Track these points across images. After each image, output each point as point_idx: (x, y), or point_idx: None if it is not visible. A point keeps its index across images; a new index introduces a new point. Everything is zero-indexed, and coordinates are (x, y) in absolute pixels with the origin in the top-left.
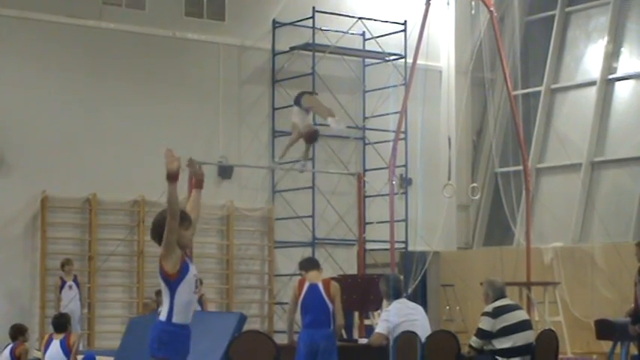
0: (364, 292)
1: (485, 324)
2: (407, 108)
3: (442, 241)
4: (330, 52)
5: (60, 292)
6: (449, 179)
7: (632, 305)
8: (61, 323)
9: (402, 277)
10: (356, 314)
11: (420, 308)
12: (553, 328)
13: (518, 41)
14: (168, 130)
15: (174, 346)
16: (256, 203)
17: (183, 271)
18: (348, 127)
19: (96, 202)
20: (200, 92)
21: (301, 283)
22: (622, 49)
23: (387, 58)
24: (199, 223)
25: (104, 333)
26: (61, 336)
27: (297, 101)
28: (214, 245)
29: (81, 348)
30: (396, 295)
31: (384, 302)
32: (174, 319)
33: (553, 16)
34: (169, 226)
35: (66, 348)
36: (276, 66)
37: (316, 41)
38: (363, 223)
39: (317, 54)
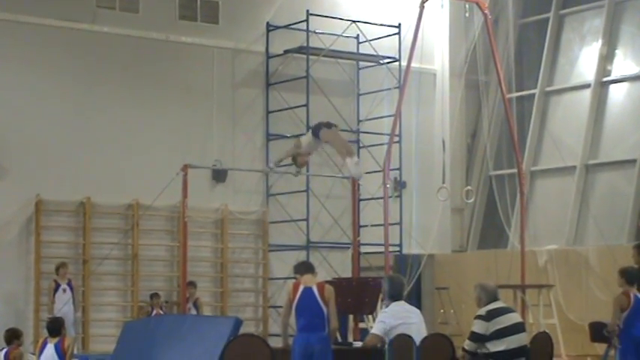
0: (359, 295)
1: (479, 327)
2: (401, 111)
3: (436, 244)
4: (324, 56)
5: (54, 295)
6: (443, 182)
7: None
8: (55, 327)
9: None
10: (350, 317)
11: (417, 311)
12: (547, 331)
13: (512, 44)
14: (162, 134)
15: None
16: (250, 206)
17: None
18: (343, 130)
19: (90, 206)
20: (194, 95)
21: (296, 287)
22: (616, 51)
23: (381, 61)
24: (193, 226)
25: (99, 337)
26: (56, 340)
27: (316, 133)
28: (209, 249)
29: (75, 352)
30: (396, 297)
31: (379, 304)
32: None
33: (547, 19)
34: None
35: (60, 352)
36: (270, 69)
37: (310, 44)
38: (357, 227)
39: (311, 57)
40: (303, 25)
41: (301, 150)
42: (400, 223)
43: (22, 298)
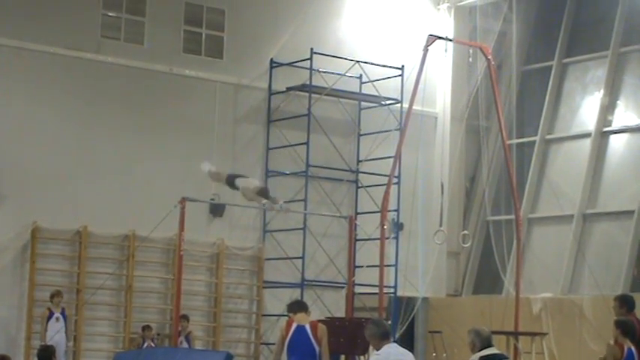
0: (351, 335)
1: None
2: (401, 153)
3: (431, 287)
4: (327, 94)
5: (47, 323)
6: (440, 225)
7: None
8: (46, 356)
9: (389, 322)
10: (342, 358)
11: (410, 354)
12: None
13: (514, 90)
14: (161, 165)
15: None
16: (247, 242)
17: None
18: (342, 169)
19: (86, 235)
20: (195, 129)
21: (289, 324)
22: (618, 102)
23: (383, 102)
24: (189, 259)
25: None
26: None
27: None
28: (203, 283)
29: None
30: (386, 336)
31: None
32: None
33: (550, 67)
34: None
35: None
36: (272, 106)
37: (313, 83)
38: (352, 267)
39: (313, 95)
40: (307, 64)
41: (251, 190)
42: (396, 265)
43: (14, 324)
